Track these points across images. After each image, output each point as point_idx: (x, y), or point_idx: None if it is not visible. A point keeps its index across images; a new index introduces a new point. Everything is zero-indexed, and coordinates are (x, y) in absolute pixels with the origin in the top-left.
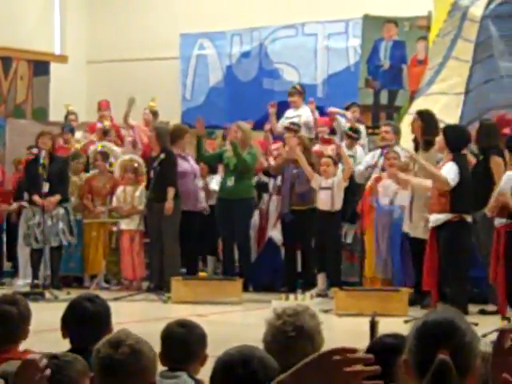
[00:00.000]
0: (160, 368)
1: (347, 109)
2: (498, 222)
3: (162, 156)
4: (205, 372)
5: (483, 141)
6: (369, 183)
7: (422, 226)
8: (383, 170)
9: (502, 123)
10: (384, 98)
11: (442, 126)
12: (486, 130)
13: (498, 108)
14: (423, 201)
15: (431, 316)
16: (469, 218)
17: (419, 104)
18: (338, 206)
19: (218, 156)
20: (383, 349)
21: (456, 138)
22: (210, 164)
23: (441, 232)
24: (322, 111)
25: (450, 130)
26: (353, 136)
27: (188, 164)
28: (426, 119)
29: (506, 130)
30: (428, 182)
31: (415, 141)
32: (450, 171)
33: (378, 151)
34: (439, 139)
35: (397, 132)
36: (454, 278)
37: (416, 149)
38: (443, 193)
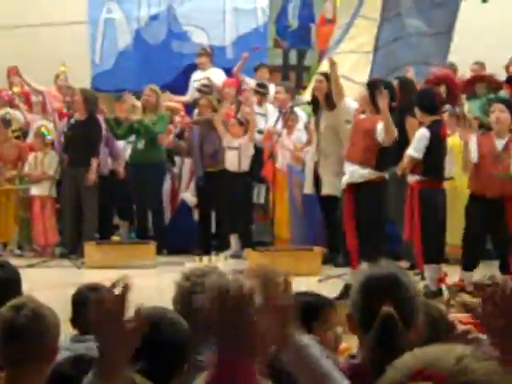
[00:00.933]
0: (71, 332)
1: (256, 70)
2: (411, 178)
3: (86, 120)
4: None
5: (404, 97)
6: (269, 145)
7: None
8: (285, 130)
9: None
10: (293, 58)
11: (350, 84)
12: (405, 86)
13: (406, 65)
14: (332, 159)
15: (375, 271)
16: (387, 176)
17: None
18: (246, 166)
19: (130, 128)
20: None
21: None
22: (126, 139)
23: (361, 191)
24: (230, 73)
25: (372, 85)
26: (260, 91)
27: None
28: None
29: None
30: None
31: (313, 101)
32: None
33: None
34: (362, 95)
35: (290, 91)
36: (372, 237)
37: (315, 109)
38: (372, 147)
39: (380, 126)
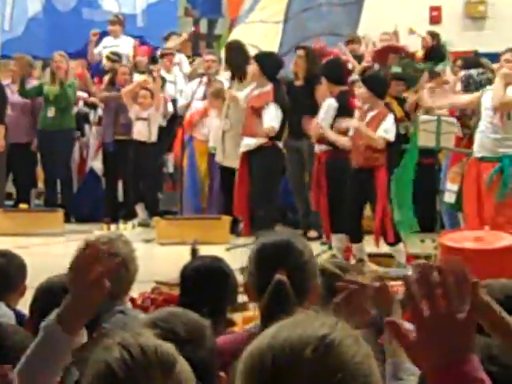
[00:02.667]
0: None
1: (166, 39)
2: (319, 148)
3: None
4: (23, 302)
5: (312, 67)
6: (188, 114)
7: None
8: (204, 98)
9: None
10: (203, 27)
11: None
12: (313, 56)
13: (316, 36)
14: (236, 130)
15: (268, 238)
16: (280, 144)
17: (238, 32)
18: (154, 137)
19: (39, 89)
20: (195, 272)
21: (268, 65)
22: (32, 98)
23: (252, 157)
24: (142, 41)
25: (262, 58)
26: (112, 58)
27: (16, 96)
28: (236, 50)
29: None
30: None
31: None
32: (274, 114)
33: (197, 80)
34: (252, 68)
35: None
36: (264, 203)
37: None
38: (257, 118)
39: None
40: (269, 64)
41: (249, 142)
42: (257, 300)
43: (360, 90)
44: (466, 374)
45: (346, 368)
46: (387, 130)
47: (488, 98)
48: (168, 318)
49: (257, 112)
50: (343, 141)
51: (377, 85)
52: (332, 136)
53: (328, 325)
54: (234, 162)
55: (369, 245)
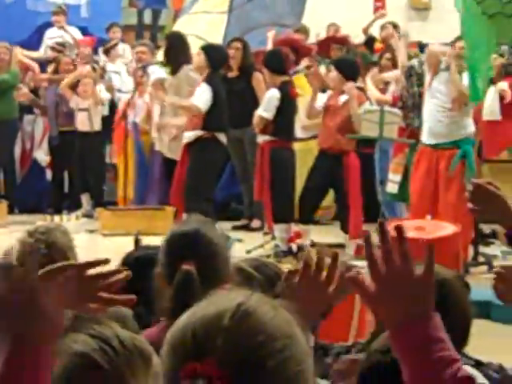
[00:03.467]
0: None
1: (108, 30)
2: (262, 138)
3: None
4: None
5: (246, 59)
6: (122, 106)
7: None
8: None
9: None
10: (148, 18)
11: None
12: (248, 48)
13: (260, 27)
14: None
15: (178, 227)
16: (221, 137)
17: (183, 23)
18: (97, 126)
19: None
20: (137, 261)
21: (215, 57)
22: None
23: (191, 149)
24: (85, 32)
25: (209, 49)
26: (56, 48)
27: None
28: (175, 41)
29: None
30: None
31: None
32: (202, 93)
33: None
34: (198, 59)
35: (153, 51)
36: (194, 196)
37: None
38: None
39: (197, 92)
40: (215, 56)
41: (189, 134)
42: (169, 289)
43: (331, 73)
44: (426, 332)
45: (265, 330)
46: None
47: (440, 82)
48: None
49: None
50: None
51: (347, 68)
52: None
53: (243, 295)
54: (171, 153)
55: (318, 234)
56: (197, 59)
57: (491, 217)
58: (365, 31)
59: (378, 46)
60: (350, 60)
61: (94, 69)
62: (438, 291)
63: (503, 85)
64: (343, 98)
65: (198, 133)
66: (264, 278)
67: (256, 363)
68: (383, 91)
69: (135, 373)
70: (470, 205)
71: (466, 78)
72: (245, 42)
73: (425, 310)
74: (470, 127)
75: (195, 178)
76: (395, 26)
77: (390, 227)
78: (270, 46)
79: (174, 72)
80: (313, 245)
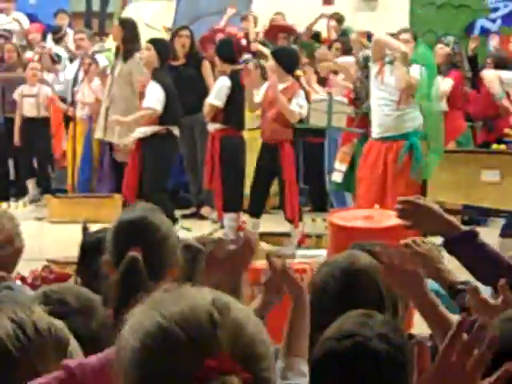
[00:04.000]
0: None
1: (55, 16)
2: (212, 126)
3: None
4: None
5: (193, 47)
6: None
7: (117, 130)
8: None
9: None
10: (96, 5)
11: (155, 32)
12: (193, 35)
13: (208, 15)
14: (120, 106)
15: (125, 214)
16: (175, 130)
17: (131, 10)
18: (44, 112)
19: None
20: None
21: (164, 51)
22: None
23: (146, 143)
24: (34, 18)
25: (158, 44)
26: (3, 35)
27: None
28: (128, 28)
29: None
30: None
31: (117, 49)
32: (154, 93)
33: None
34: (148, 54)
35: (92, 38)
36: (155, 192)
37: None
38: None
39: (148, 91)
40: (164, 50)
41: (143, 130)
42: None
43: (269, 62)
44: None
45: (249, 321)
46: (301, 105)
47: (386, 75)
48: (59, 290)
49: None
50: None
51: (286, 58)
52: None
53: (207, 292)
54: (114, 137)
55: (264, 223)
56: (146, 54)
57: (429, 230)
58: (309, 29)
59: (324, 37)
60: (288, 50)
61: (51, 58)
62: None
63: (448, 82)
64: (280, 88)
65: (155, 128)
66: (209, 252)
67: (258, 353)
68: (325, 81)
69: (45, 360)
70: (402, 221)
71: (415, 70)
72: (191, 30)
73: None
74: (418, 120)
75: (154, 173)
76: (340, 20)
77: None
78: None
79: (125, 59)
80: (262, 234)
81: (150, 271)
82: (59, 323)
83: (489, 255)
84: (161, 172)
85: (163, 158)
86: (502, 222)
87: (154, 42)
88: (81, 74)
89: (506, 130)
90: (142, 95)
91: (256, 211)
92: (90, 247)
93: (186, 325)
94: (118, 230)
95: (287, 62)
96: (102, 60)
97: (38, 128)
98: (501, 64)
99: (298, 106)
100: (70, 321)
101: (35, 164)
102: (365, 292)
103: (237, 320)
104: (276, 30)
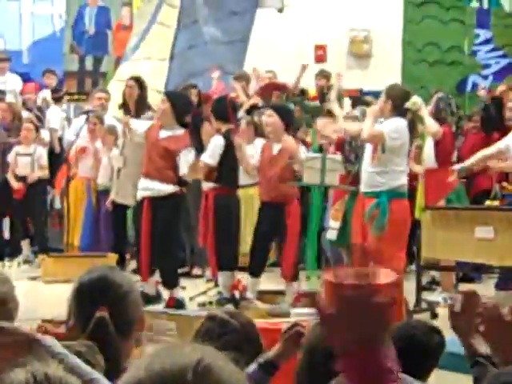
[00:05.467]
0: None
1: (43, 75)
2: (206, 185)
3: None
4: None
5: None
6: (72, 153)
7: (131, 192)
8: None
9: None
10: (89, 64)
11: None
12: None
13: (201, 72)
14: (131, 168)
15: (85, 276)
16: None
17: (124, 70)
18: (44, 173)
19: None
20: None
21: (182, 106)
22: None
23: (158, 204)
24: (27, 78)
25: (174, 97)
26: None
27: None
28: (144, 87)
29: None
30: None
31: (124, 106)
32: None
33: (83, 117)
34: (163, 106)
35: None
36: (168, 251)
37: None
38: (168, 165)
39: (184, 157)
40: (181, 104)
41: (160, 188)
42: (79, 338)
43: (270, 118)
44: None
45: None
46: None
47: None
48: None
49: (170, 155)
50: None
51: (286, 115)
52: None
53: (197, 349)
54: (127, 200)
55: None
56: (162, 106)
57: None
58: (295, 88)
59: (311, 94)
60: (287, 107)
61: (36, 116)
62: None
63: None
64: (277, 147)
65: (173, 189)
66: (239, 324)
67: None
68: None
69: None
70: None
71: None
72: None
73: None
74: (394, 180)
75: (168, 238)
76: (327, 76)
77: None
78: (214, 86)
79: (137, 116)
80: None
81: (118, 329)
82: (73, 379)
83: None
84: (173, 234)
85: (175, 219)
86: (495, 278)
87: (169, 94)
88: (82, 132)
89: (504, 184)
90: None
91: (257, 271)
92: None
93: (158, 381)
94: (80, 292)
95: (288, 119)
96: (109, 120)
97: (34, 188)
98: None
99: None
100: None
101: (30, 224)
102: None
103: (215, 380)
104: (271, 88)
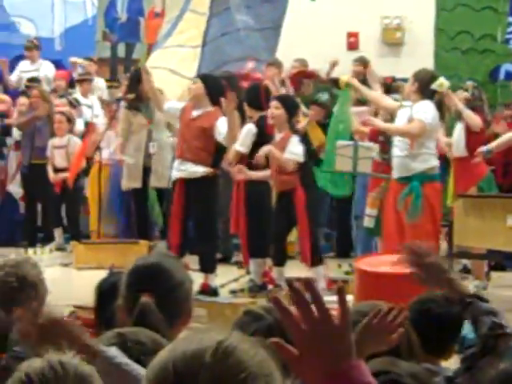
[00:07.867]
0: None
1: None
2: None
3: None
4: None
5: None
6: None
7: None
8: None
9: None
10: (121, 51)
11: (178, 78)
12: (231, 81)
13: (234, 61)
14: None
15: (141, 261)
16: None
17: (156, 57)
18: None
19: None
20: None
21: (216, 88)
22: None
23: (192, 186)
24: (59, 65)
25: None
26: (31, 86)
27: None
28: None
29: (244, 84)
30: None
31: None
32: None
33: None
34: (196, 87)
35: None
36: (208, 236)
37: None
38: (202, 145)
39: (221, 126)
40: (214, 85)
41: (194, 170)
42: (129, 321)
43: (278, 111)
44: (354, 379)
45: (248, 368)
46: (293, 151)
47: (402, 115)
48: (133, 332)
49: (205, 134)
50: (261, 174)
51: (291, 106)
52: (253, 175)
53: (222, 333)
54: (161, 183)
55: (290, 270)
56: (195, 87)
57: (430, 283)
58: (327, 78)
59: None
60: (292, 98)
61: (70, 103)
62: None
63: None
64: (278, 138)
65: (207, 170)
66: (274, 319)
67: None
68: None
69: None
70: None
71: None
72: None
73: (348, 357)
74: (426, 163)
75: (207, 220)
76: (365, 63)
77: (364, 262)
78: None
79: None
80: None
81: (164, 317)
82: (89, 367)
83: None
84: (212, 217)
85: (213, 201)
86: None
87: (203, 76)
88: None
89: None
90: None
91: (279, 260)
92: (106, 291)
93: (178, 363)
94: (131, 276)
95: (292, 110)
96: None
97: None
98: None
99: (290, 154)
100: (147, 360)
101: (63, 212)
102: None
103: (231, 366)
104: (301, 76)
